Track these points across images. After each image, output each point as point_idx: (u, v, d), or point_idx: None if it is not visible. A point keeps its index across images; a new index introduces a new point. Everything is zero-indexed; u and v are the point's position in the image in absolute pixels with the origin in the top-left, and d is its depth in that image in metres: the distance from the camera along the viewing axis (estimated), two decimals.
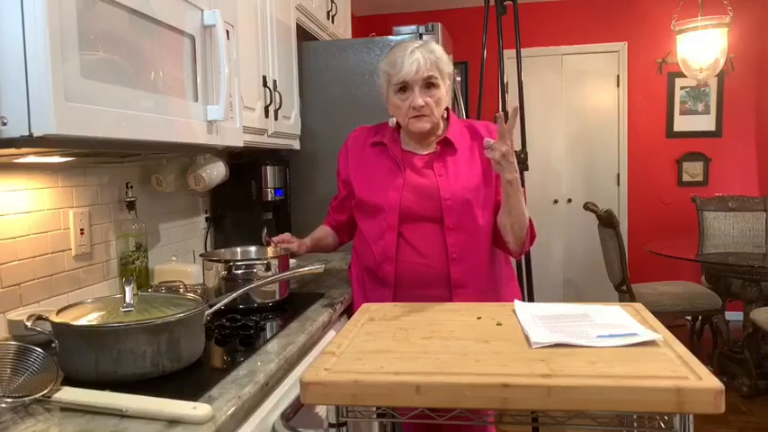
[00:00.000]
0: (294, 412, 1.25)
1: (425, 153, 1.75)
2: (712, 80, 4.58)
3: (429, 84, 1.65)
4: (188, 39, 1.33)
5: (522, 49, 3.01)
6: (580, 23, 4.98)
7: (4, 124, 0.89)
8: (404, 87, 1.67)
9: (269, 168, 2.35)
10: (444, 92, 1.69)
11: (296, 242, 1.86)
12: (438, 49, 1.70)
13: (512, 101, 3.22)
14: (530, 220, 1.69)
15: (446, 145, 1.73)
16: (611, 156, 5.02)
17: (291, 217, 2.58)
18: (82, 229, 1.64)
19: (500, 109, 2.97)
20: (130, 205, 1.79)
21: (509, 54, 3.09)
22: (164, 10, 1.21)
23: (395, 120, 1.79)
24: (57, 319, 1.11)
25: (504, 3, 2.92)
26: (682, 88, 4.85)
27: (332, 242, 1.95)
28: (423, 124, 1.68)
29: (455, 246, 1.66)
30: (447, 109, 1.78)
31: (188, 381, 1.12)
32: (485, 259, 1.71)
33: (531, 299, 2.98)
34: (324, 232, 1.95)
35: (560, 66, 5.06)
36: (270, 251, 1.83)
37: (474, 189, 1.68)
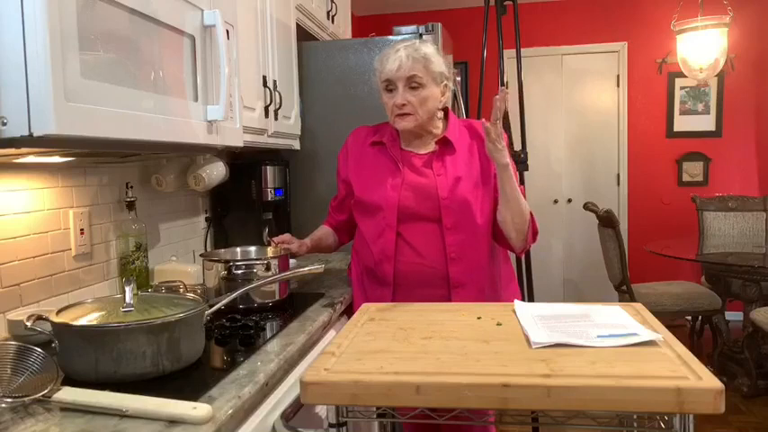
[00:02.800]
0: (294, 412, 1.25)
1: (424, 153, 1.75)
2: (712, 80, 4.58)
3: (414, 83, 1.65)
4: (188, 39, 1.33)
5: (522, 49, 3.01)
6: (580, 23, 4.98)
7: (4, 124, 0.89)
8: (390, 86, 1.68)
9: (269, 168, 2.35)
10: (431, 92, 1.67)
11: (296, 243, 1.86)
12: (426, 49, 1.68)
13: (512, 101, 3.21)
14: (530, 214, 1.69)
15: (445, 145, 1.73)
16: (611, 156, 5.02)
17: (291, 217, 2.58)
18: (82, 229, 1.64)
19: None
20: (130, 205, 1.79)
21: (509, 54, 3.08)
22: (164, 10, 1.21)
23: None
24: (57, 319, 1.11)
25: (504, 3, 2.91)
26: (682, 88, 4.85)
27: (332, 242, 1.96)
28: (405, 123, 1.68)
29: (453, 245, 1.66)
30: (447, 109, 1.78)
31: (188, 381, 1.12)
32: (484, 259, 1.71)
33: (531, 299, 2.98)
34: (324, 232, 1.95)
35: (560, 66, 5.06)
36: (270, 251, 1.83)
37: (473, 189, 1.68)
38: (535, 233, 1.72)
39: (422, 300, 1.54)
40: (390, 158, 1.75)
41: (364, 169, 1.78)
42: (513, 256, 1.91)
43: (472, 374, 0.97)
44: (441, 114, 1.77)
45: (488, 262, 1.73)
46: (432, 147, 1.74)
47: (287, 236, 1.89)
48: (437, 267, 1.67)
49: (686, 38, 3.74)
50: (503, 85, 3.06)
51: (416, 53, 1.65)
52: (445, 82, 1.72)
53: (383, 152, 1.77)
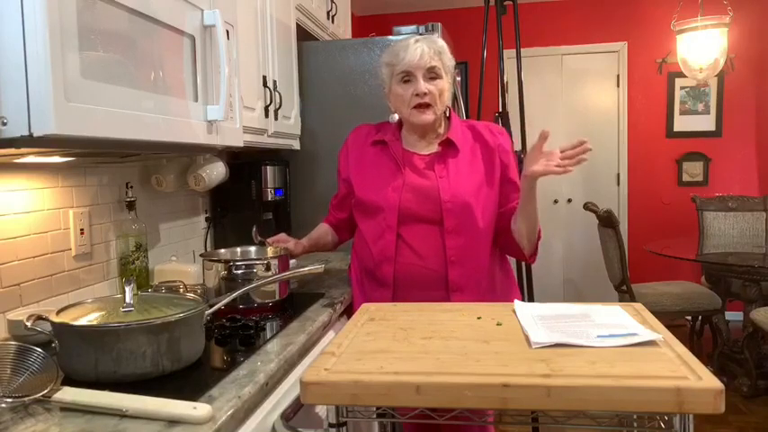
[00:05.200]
0: (294, 412, 1.25)
1: (427, 153, 1.74)
2: (712, 80, 4.58)
3: (432, 74, 1.65)
4: (188, 39, 1.33)
5: (522, 49, 3.01)
6: (580, 23, 4.98)
7: (4, 124, 0.89)
8: (407, 77, 1.66)
9: (269, 168, 2.35)
10: (447, 85, 1.68)
11: (292, 241, 1.86)
12: (441, 42, 1.70)
13: (512, 101, 3.21)
14: None
15: (448, 146, 1.72)
16: (611, 156, 5.02)
17: (291, 217, 2.58)
18: (82, 229, 1.63)
19: (500, 108, 2.96)
20: (130, 205, 1.79)
21: (509, 54, 3.08)
22: (164, 10, 1.21)
23: (396, 117, 1.78)
24: (57, 319, 1.11)
25: (504, 3, 2.92)
26: (682, 88, 4.85)
27: (331, 240, 1.95)
28: (426, 116, 1.66)
29: (454, 248, 1.65)
30: (450, 108, 1.78)
31: (188, 381, 1.12)
32: (484, 263, 1.70)
33: (531, 299, 2.98)
34: (323, 230, 1.94)
35: (560, 66, 5.06)
36: (270, 251, 1.83)
37: (475, 191, 1.68)
38: (539, 237, 1.73)
39: (421, 302, 1.54)
40: (392, 158, 1.74)
41: (365, 169, 1.78)
42: (513, 259, 1.90)
43: (472, 374, 0.97)
44: (447, 112, 1.76)
45: (488, 266, 1.72)
46: (434, 148, 1.73)
47: (282, 235, 1.88)
48: (437, 270, 1.66)
49: (686, 38, 3.74)
50: (503, 84, 3.05)
51: (434, 45, 1.67)
52: (451, 79, 1.72)
53: (384, 152, 1.76)
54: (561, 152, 1.52)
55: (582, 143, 1.50)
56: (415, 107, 1.66)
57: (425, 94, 1.64)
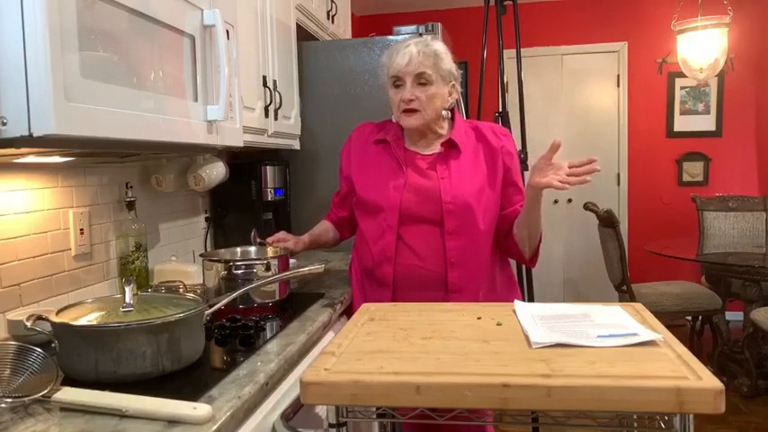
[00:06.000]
0: (294, 412, 1.25)
1: (429, 154, 1.73)
2: (712, 80, 4.58)
3: (422, 80, 1.64)
4: (188, 39, 1.33)
5: (522, 49, 3.01)
6: (580, 23, 4.98)
7: (4, 124, 0.89)
8: (398, 82, 1.67)
9: (269, 168, 2.35)
10: (439, 90, 1.66)
11: (292, 240, 1.86)
12: (437, 46, 1.68)
13: (512, 101, 3.21)
14: None
15: (450, 146, 1.71)
16: (611, 156, 5.02)
17: (291, 217, 2.58)
18: (82, 229, 1.63)
19: (500, 108, 2.96)
20: (130, 205, 1.79)
21: (509, 54, 3.08)
22: (164, 10, 1.21)
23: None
24: (57, 319, 1.11)
25: (504, 2, 2.91)
26: (682, 88, 4.85)
27: (332, 237, 1.95)
28: (412, 120, 1.66)
29: (454, 250, 1.65)
30: (453, 110, 1.77)
31: (188, 381, 1.12)
32: (484, 265, 1.70)
33: (531, 299, 2.97)
34: (324, 227, 1.94)
35: (560, 66, 5.06)
36: (270, 251, 1.83)
37: (477, 193, 1.67)
38: (540, 239, 1.72)
39: (420, 302, 1.54)
40: (394, 158, 1.74)
41: (367, 168, 1.77)
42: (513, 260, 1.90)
43: (472, 374, 0.97)
44: (447, 115, 1.75)
45: (488, 268, 1.72)
46: (437, 148, 1.73)
47: (282, 234, 1.88)
48: (436, 271, 1.66)
49: (686, 38, 3.74)
50: (503, 84, 3.05)
51: (427, 49, 1.65)
52: (453, 82, 1.70)
53: (387, 151, 1.76)
54: (569, 167, 1.51)
55: (591, 161, 1.50)
56: (402, 111, 1.66)
57: (411, 100, 1.64)
